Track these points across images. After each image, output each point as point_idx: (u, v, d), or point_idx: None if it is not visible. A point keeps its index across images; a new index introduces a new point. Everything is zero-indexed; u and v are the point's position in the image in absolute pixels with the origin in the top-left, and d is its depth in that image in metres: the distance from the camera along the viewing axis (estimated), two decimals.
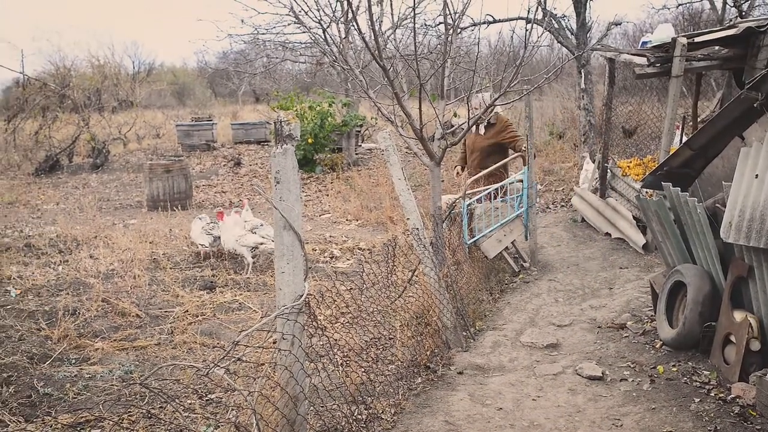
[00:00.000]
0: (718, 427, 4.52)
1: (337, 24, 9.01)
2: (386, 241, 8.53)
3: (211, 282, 8.59)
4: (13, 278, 8.73)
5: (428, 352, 5.91)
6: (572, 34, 16.47)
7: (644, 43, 9.67)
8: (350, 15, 6.75)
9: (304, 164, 18.42)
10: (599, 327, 6.76)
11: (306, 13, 9.42)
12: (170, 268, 9.09)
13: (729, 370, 5.12)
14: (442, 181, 8.80)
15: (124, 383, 5.57)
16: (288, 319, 3.76)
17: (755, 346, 4.99)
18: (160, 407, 5.15)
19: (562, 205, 13.50)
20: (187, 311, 7.45)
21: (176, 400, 5.22)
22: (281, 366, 3.80)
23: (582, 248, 10.12)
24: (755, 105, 5.40)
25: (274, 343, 3.90)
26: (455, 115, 18.32)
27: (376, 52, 6.17)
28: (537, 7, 8.87)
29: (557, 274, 8.82)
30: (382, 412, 4.86)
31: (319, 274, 8.85)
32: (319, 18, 8.87)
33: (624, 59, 9.80)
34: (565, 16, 16.90)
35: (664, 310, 6.07)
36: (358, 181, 16.02)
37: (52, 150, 21.77)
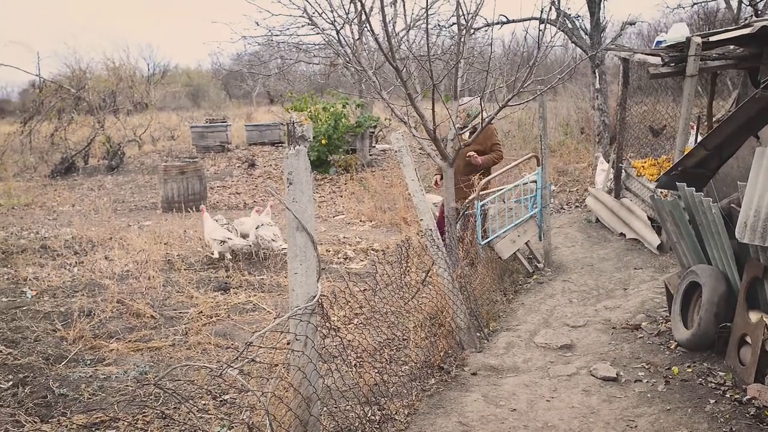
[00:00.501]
0: (734, 429, 4.49)
1: (351, 25, 9.02)
2: (400, 242, 8.54)
3: (226, 283, 8.62)
4: (29, 279, 8.78)
5: (442, 353, 5.90)
6: (586, 34, 16.42)
7: (659, 42, 9.63)
8: (363, 16, 6.75)
9: (318, 165, 18.45)
10: (614, 328, 6.73)
11: (320, 14, 9.45)
12: (185, 270, 9.12)
13: (744, 371, 5.09)
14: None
15: (139, 384, 5.60)
16: (301, 320, 3.77)
17: None
18: (175, 408, 5.17)
19: (577, 206, 13.46)
20: (202, 312, 7.48)
21: (190, 400, 5.25)
22: (294, 367, 3.80)
23: (596, 249, 10.09)
24: None
25: (288, 344, 3.91)
26: (468, 115, 18.28)
27: (389, 53, 6.18)
28: (550, 7, 8.86)
29: (571, 275, 8.79)
30: (396, 413, 4.86)
31: (333, 275, 8.86)
32: (332, 19, 8.90)
33: (638, 59, 9.76)
34: (579, 16, 16.86)
35: (679, 311, 6.04)
36: (371, 182, 16.03)
37: (67, 152, 21.92)
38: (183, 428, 4.77)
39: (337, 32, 8.22)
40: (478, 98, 9.02)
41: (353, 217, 13.56)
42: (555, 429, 4.69)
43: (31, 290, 8.32)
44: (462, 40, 7.24)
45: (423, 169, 17.46)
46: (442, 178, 9.51)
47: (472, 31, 8.85)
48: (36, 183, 19.62)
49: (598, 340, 6.45)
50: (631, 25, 18.03)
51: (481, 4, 7.24)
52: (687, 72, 8.62)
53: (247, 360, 3.83)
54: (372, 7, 13.43)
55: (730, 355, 5.34)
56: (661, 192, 8.46)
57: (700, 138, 9.75)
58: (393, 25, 8.32)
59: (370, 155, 20.41)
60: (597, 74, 16.67)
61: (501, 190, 8.90)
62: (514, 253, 8.87)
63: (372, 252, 10.33)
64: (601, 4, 16.11)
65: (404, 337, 6.13)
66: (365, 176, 17.20)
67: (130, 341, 6.65)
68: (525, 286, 8.53)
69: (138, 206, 15.93)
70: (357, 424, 4.52)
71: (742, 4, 20.65)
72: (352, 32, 8.40)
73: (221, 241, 9.73)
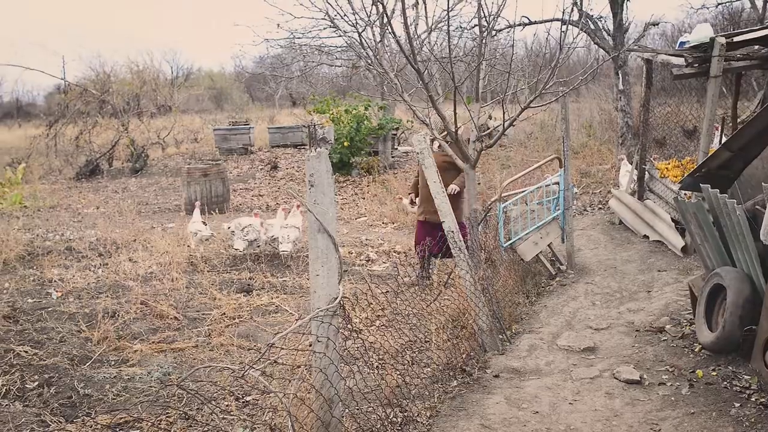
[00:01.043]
0: None
1: (372, 28, 9.03)
2: (422, 244, 8.54)
3: (248, 285, 8.65)
4: (55, 281, 8.87)
5: (464, 355, 5.89)
6: (609, 34, 16.35)
7: (682, 43, 9.56)
8: (385, 19, 6.75)
9: (341, 167, 18.48)
10: (637, 330, 6.69)
11: (341, 17, 9.47)
12: (207, 271, 9.17)
13: None
14: (479, 184, 8.75)
15: (162, 385, 5.63)
16: (322, 322, 3.78)
17: None
18: (197, 408, 5.20)
19: (600, 208, 13.38)
20: (224, 314, 7.51)
21: (213, 401, 5.27)
22: (316, 368, 3.82)
23: (619, 251, 10.03)
24: None
25: (310, 345, 3.92)
26: (490, 117, 18.26)
27: (411, 55, 6.18)
28: (572, 8, 8.82)
29: (594, 277, 8.75)
30: (418, 415, 4.86)
31: (355, 277, 8.87)
32: (354, 22, 8.90)
33: (662, 60, 9.71)
34: (601, 16, 16.78)
35: (703, 314, 5.98)
36: (394, 184, 16.03)
37: (92, 155, 22.13)
38: (205, 429, 4.80)
39: (359, 35, 8.23)
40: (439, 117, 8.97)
41: (375, 219, 13.57)
42: None
43: (57, 291, 8.40)
44: (483, 41, 7.24)
45: None
46: (417, 196, 9.22)
47: (493, 32, 8.83)
48: (61, 185, 19.82)
49: (621, 342, 6.42)
50: (654, 25, 17.96)
51: (502, 5, 7.24)
52: (711, 73, 8.56)
53: (269, 361, 3.85)
54: (394, 9, 13.45)
55: (756, 359, 5.29)
56: (685, 194, 8.40)
57: (724, 139, 9.68)
58: (414, 28, 8.32)
59: (393, 157, 20.41)
60: (620, 75, 16.60)
61: (523, 192, 8.87)
62: (537, 255, 8.84)
63: (394, 254, 10.33)
64: (624, 4, 16.05)
65: (426, 340, 6.14)
66: (387, 178, 17.20)
67: (153, 342, 6.70)
68: (548, 288, 8.50)
69: (161, 208, 16.04)
70: (379, 426, 4.52)
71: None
72: (373, 35, 8.41)
73: (194, 233, 10.56)
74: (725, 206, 5.63)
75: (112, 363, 6.22)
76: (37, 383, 5.69)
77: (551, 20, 14.25)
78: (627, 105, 16.67)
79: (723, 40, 8.45)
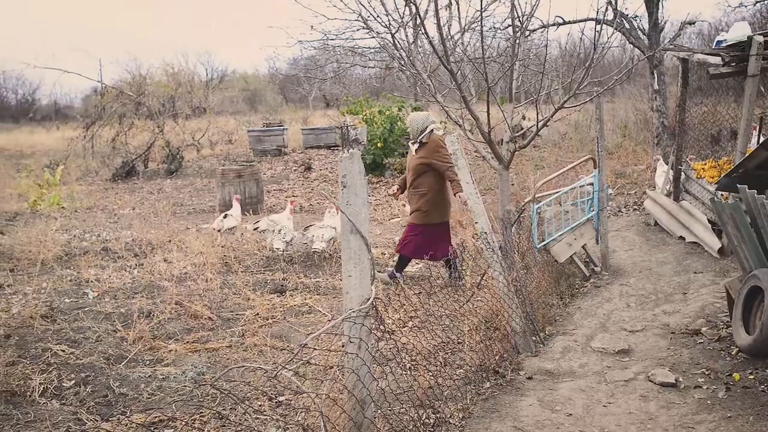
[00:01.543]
0: None
1: (406, 29, 9.03)
2: (455, 245, 8.52)
3: (282, 285, 8.68)
4: (91, 281, 8.98)
5: (497, 357, 5.87)
6: (644, 34, 16.19)
7: (719, 42, 9.44)
8: (418, 19, 6.76)
9: (374, 168, 18.50)
10: (672, 333, 6.62)
11: (375, 18, 9.48)
12: (241, 272, 9.23)
13: None
14: (512, 185, 8.71)
15: (196, 384, 5.67)
16: (355, 323, 3.79)
17: None
18: (231, 408, 5.23)
19: (635, 209, 13.26)
20: (258, 314, 7.54)
21: (246, 401, 5.30)
22: (348, 369, 3.83)
23: (655, 252, 9.93)
24: None
25: (342, 346, 3.93)
26: (524, 117, 18.17)
27: (444, 56, 6.17)
28: (607, 8, 8.75)
29: (629, 279, 8.67)
30: (450, 417, 4.86)
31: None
32: (387, 23, 8.91)
33: (698, 59, 9.59)
34: (636, 15, 16.63)
35: (740, 316, 5.91)
36: None
37: (128, 156, 22.40)
38: (239, 429, 4.82)
39: (392, 36, 8.24)
40: (426, 113, 8.91)
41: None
42: None
43: (93, 291, 8.51)
44: (517, 42, 7.21)
45: (479, 172, 17.38)
46: (402, 191, 9.15)
47: (527, 33, 8.78)
48: (98, 186, 20.07)
49: (656, 345, 6.35)
50: (690, 24, 17.75)
51: (536, 5, 7.21)
52: (749, 72, 8.44)
53: (302, 362, 3.87)
54: (427, 10, 13.46)
55: None
56: (722, 194, 8.29)
57: (762, 139, 9.54)
58: (448, 28, 8.29)
59: None
60: (655, 75, 16.43)
61: (558, 192, 8.81)
62: (571, 256, 8.78)
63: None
64: (659, 3, 15.89)
65: (459, 341, 6.12)
66: None
67: (187, 342, 6.75)
68: (582, 289, 8.44)
69: (196, 209, 16.17)
70: (411, 427, 4.52)
71: None
72: (407, 36, 8.39)
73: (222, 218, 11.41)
74: (763, 207, 5.55)
75: (147, 362, 6.28)
76: (73, 382, 5.77)
77: (585, 20, 14.16)
78: (662, 105, 16.50)
79: (761, 39, 8.33)
